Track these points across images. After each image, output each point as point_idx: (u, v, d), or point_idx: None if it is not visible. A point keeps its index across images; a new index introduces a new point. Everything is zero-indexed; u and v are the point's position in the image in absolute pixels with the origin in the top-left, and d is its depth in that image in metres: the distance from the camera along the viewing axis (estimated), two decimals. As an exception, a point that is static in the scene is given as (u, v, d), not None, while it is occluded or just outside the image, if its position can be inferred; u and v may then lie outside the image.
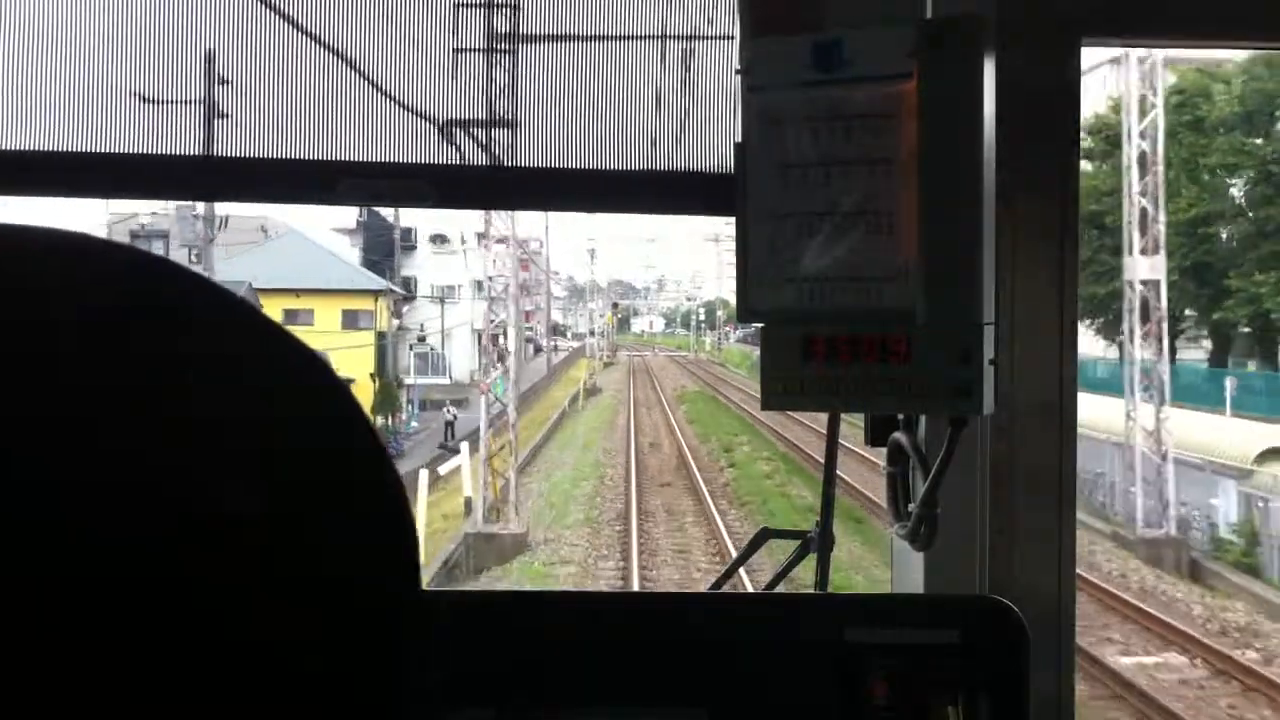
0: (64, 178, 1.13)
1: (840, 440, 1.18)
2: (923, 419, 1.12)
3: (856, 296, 1.03)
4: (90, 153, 1.10)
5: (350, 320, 29.64)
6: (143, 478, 0.40)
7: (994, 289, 1.04)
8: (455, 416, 27.86)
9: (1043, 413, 1.14)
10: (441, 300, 41.72)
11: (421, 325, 38.32)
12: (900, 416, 1.11)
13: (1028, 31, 1.12)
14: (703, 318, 79.78)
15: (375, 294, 30.49)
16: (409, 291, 42.45)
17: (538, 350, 50.75)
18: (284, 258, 27.88)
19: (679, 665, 1.00)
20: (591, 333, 53.55)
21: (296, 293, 27.75)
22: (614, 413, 30.01)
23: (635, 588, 11.58)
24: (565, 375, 44.34)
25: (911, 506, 1.08)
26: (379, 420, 26.85)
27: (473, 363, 40.86)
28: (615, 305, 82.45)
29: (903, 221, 1.01)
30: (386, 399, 27.64)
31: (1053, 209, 1.15)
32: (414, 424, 29.37)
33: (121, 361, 0.42)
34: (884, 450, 1.11)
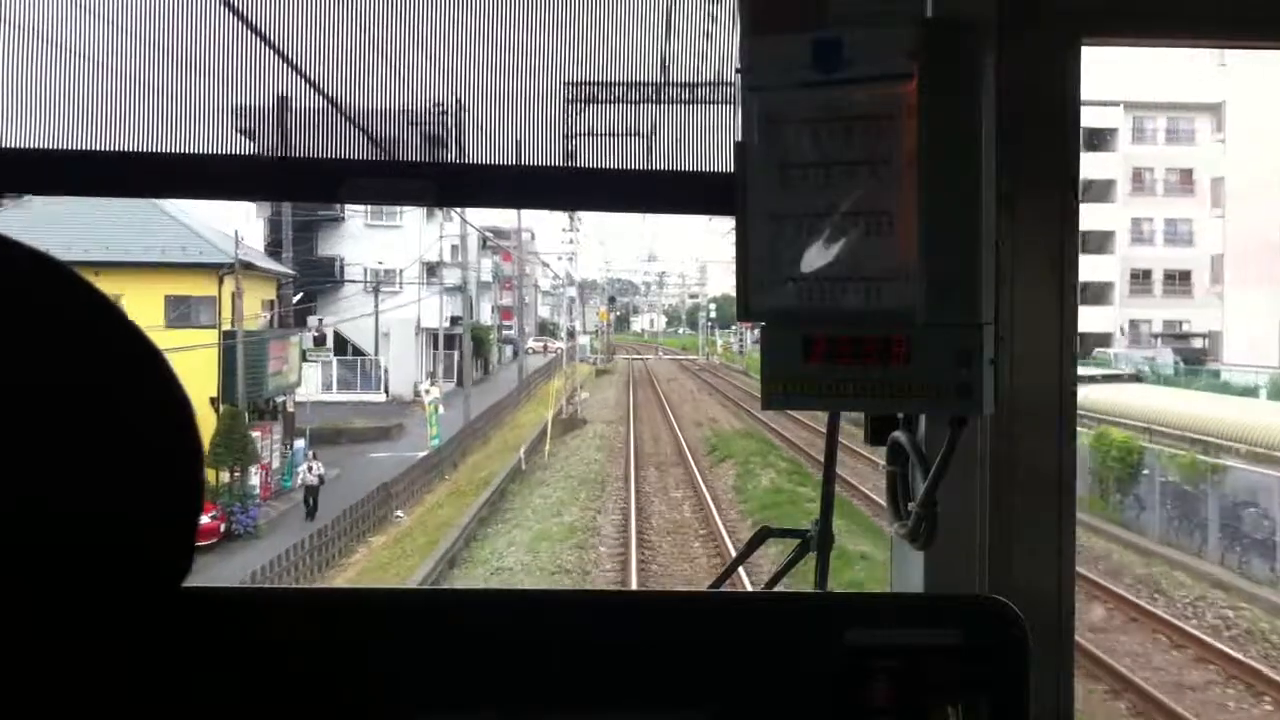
0: (65, 175, 1.22)
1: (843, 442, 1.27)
2: (922, 418, 1.20)
3: (857, 296, 1.11)
4: (92, 151, 1.18)
5: (179, 311, 19.93)
6: None
7: (994, 289, 1.12)
8: (321, 479, 18.66)
9: (1043, 413, 1.23)
10: (376, 289, 32.83)
11: (320, 321, 29.48)
12: (900, 416, 1.19)
13: (1028, 31, 1.20)
14: (713, 314, 79.27)
15: (218, 271, 19.88)
16: (336, 276, 33.54)
17: (518, 354, 44.42)
18: (79, 216, 17.91)
19: (678, 665, 1.06)
20: (572, 333, 44.32)
21: (96, 268, 18.26)
22: (596, 490, 18.46)
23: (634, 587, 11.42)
24: (543, 388, 33.73)
25: (911, 506, 1.16)
26: (223, 477, 17.67)
27: (418, 371, 33.07)
28: (612, 300, 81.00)
29: (903, 222, 1.09)
30: (230, 440, 18.31)
31: (1053, 209, 1.23)
32: (302, 474, 18.97)
33: None
34: (883, 450, 1.21)
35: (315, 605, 1.13)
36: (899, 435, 1.19)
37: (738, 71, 1.15)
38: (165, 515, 0.60)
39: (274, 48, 1.17)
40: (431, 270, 33.41)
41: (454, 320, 39.36)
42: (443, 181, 1.21)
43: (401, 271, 33.22)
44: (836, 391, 1.13)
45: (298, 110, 1.20)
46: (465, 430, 26.34)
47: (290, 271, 25.94)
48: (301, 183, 1.25)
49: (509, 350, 44.48)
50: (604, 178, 1.24)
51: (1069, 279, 1.24)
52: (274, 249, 29.46)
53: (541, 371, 41.43)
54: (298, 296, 27.92)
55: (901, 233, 1.10)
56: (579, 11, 1.21)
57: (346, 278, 34.43)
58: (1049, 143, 1.23)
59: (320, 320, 30.53)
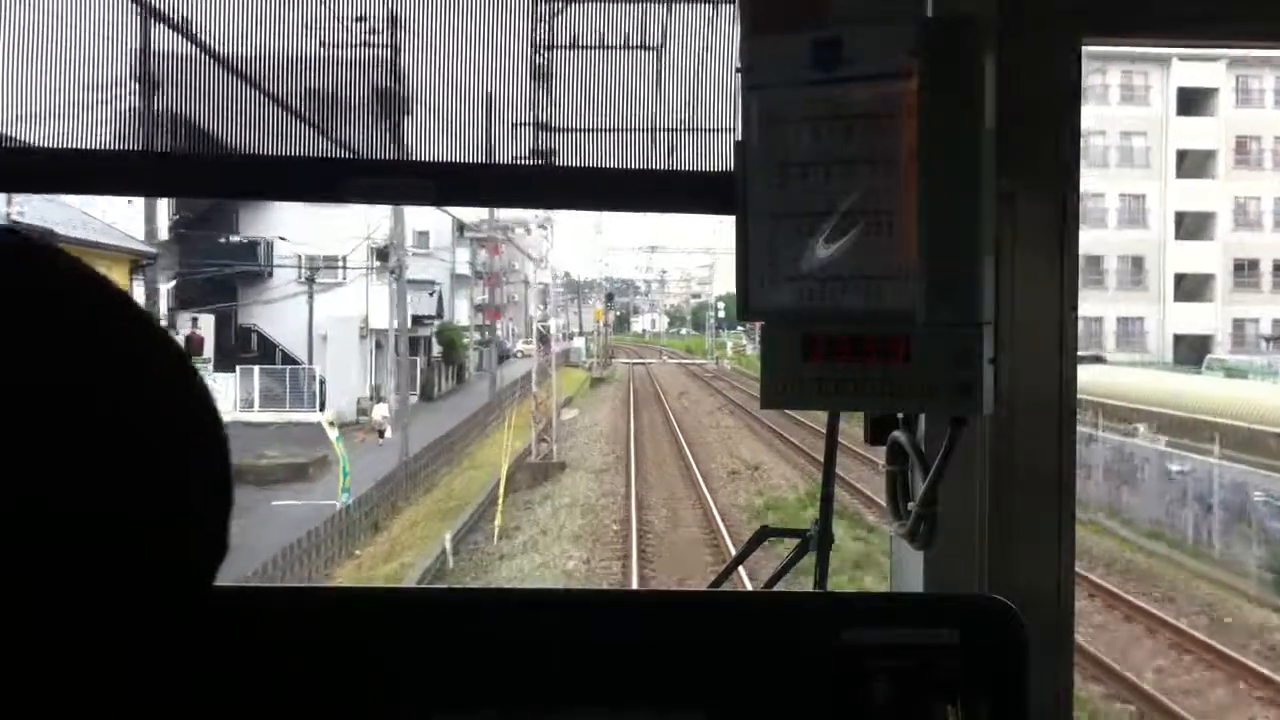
0: (65, 175, 1.49)
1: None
2: (922, 418, 1.45)
3: (856, 296, 1.35)
4: (91, 149, 1.43)
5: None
6: None
7: (994, 289, 1.35)
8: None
9: (1043, 413, 1.48)
10: (310, 280, 31.31)
11: (195, 320, 27.28)
12: (900, 416, 1.43)
13: (1028, 31, 1.46)
14: (721, 314, 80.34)
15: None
16: (262, 263, 31.87)
17: (504, 358, 43.19)
18: None
19: (676, 664, 1.28)
20: (545, 335, 35.95)
21: None
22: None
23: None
24: (516, 409, 28.31)
25: (911, 505, 1.41)
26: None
27: (363, 384, 30.20)
28: (610, 297, 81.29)
29: (903, 221, 1.33)
30: None
31: (1053, 209, 1.49)
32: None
33: None
34: (882, 449, 1.46)
35: (315, 604, 1.34)
36: (899, 435, 1.44)
37: (738, 71, 1.40)
38: (166, 515, 0.68)
39: (275, 45, 1.43)
40: (383, 256, 31.24)
41: (418, 319, 36.57)
42: (443, 180, 1.47)
43: (345, 258, 30.92)
44: (836, 391, 1.36)
45: (296, 110, 1.46)
46: (396, 477, 22.70)
47: (150, 249, 22.10)
48: (301, 182, 1.51)
49: (494, 354, 42.45)
50: (605, 176, 1.50)
51: (1069, 279, 1.49)
52: (185, 225, 25.93)
53: (523, 382, 36.13)
54: (170, 284, 24.85)
55: (901, 232, 1.33)
56: (580, 10, 1.47)
57: (275, 263, 31.96)
58: (1049, 143, 1.49)
59: (195, 319, 27.67)
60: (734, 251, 1.41)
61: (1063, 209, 1.50)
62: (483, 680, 1.27)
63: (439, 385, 41.71)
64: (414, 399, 32.90)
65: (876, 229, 1.35)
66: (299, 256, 31.51)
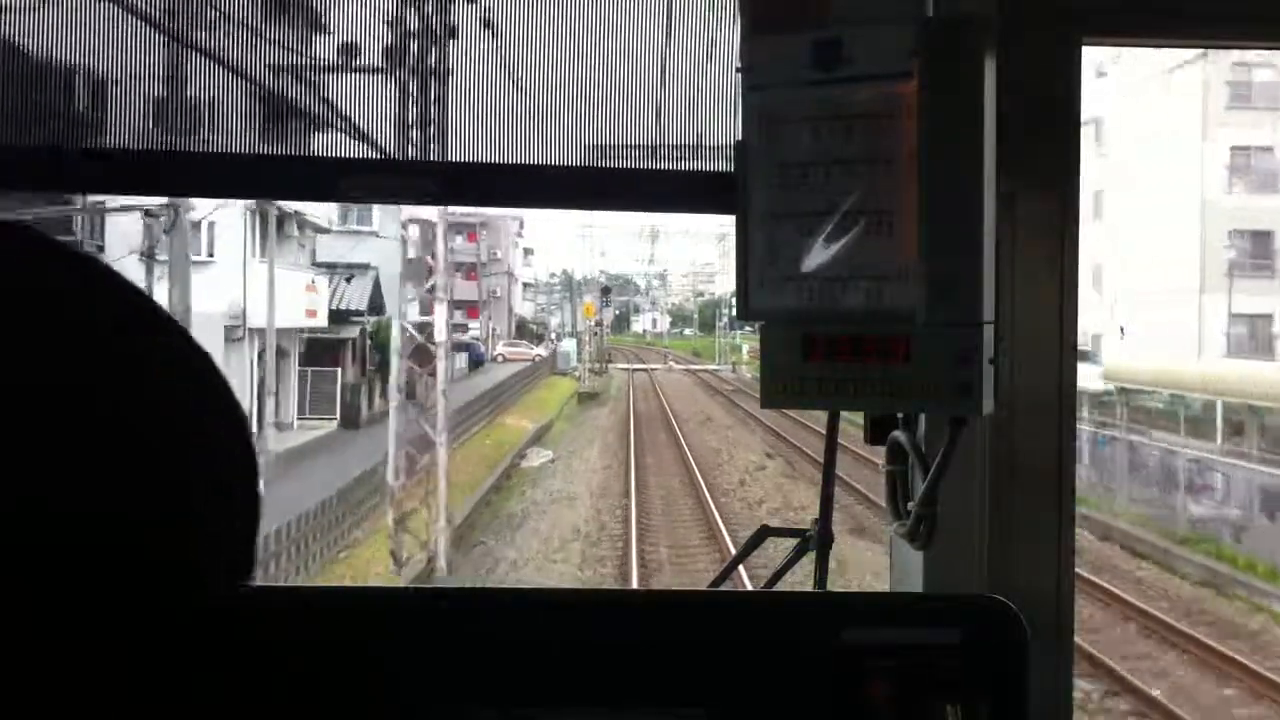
0: (65, 174, 1.64)
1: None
2: (922, 418, 1.54)
3: (857, 296, 1.46)
4: (91, 148, 1.53)
5: None
6: None
7: (994, 289, 1.45)
8: None
9: (1043, 413, 1.59)
10: (150, 252, 18.95)
11: None
12: (900, 415, 1.53)
13: (1028, 31, 1.55)
14: (733, 311, 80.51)
15: None
16: (77, 225, 19.84)
17: (478, 364, 39.34)
18: None
19: (676, 664, 1.38)
20: (421, 345, 19.34)
21: None
22: None
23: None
24: (487, 434, 22.72)
25: (911, 505, 1.51)
26: None
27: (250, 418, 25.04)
28: (606, 291, 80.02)
29: (903, 221, 1.44)
30: None
31: (1053, 209, 1.59)
32: None
33: None
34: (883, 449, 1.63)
35: (315, 604, 1.45)
36: (899, 435, 1.54)
37: (738, 71, 1.51)
38: (165, 515, 0.74)
39: (276, 44, 1.68)
40: (281, 224, 26.09)
41: (341, 315, 30.87)
42: (443, 180, 1.67)
43: (212, 225, 23.11)
44: (836, 391, 1.48)
45: (297, 109, 1.70)
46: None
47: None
48: (301, 182, 1.75)
49: (461, 359, 37.84)
50: (605, 177, 1.59)
51: (1069, 279, 1.59)
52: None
53: (490, 396, 32.03)
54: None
55: (901, 232, 1.45)
56: (581, 10, 1.66)
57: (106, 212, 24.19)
58: (1049, 143, 1.58)
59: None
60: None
61: (1063, 209, 1.60)
62: (483, 680, 1.39)
63: (368, 405, 33.11)
64: (333, 425, 28.53)
65: (876, 229, 1.47)
66: (141, 213, 20.75)
